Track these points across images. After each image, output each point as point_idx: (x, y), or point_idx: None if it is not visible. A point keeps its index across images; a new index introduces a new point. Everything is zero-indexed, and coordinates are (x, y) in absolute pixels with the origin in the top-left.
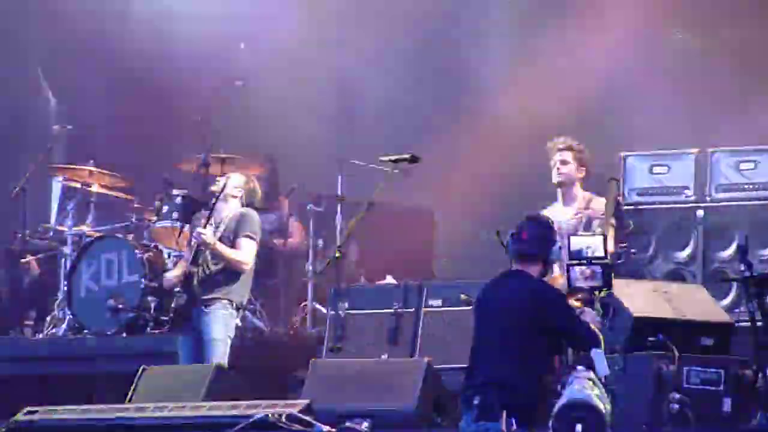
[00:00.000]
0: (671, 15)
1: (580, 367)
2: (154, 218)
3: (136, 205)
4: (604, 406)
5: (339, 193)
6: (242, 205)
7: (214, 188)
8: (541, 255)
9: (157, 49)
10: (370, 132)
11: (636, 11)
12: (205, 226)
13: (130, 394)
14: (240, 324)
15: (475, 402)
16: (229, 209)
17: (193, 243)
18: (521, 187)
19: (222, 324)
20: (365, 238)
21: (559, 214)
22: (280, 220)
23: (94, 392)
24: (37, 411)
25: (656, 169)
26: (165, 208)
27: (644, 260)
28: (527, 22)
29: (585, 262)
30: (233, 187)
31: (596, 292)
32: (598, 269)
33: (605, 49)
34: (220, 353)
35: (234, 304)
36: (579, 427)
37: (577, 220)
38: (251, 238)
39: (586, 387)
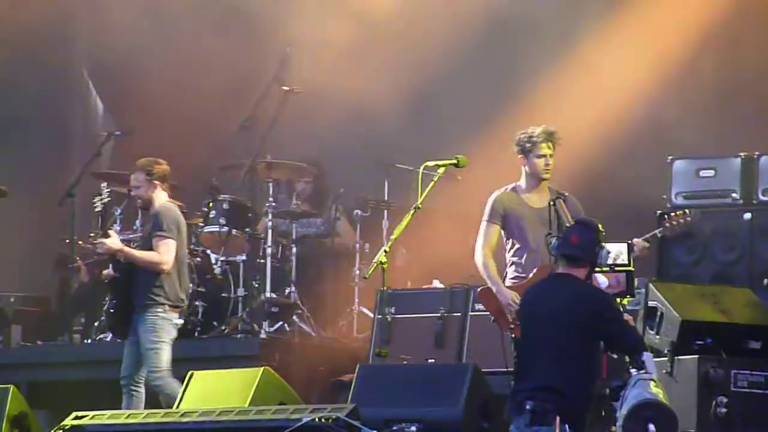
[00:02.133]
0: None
1: (633, 370)
2: (202, 223)
3: (183, 211)
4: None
5: (385, 198)
6: (169, 195)
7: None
8: (589, 259)
9: (204, 53)
10: (417, 136)
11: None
12: (105, 235)
13: (177, 398)
14: (179, 322)
15: (528, 407)
16: (156, 206)
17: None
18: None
19: (152, 332)
20: (412, 242)
21: (527, 200)
22: (327, 224)
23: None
24: (85, 416)
25: (703, 173)
26: (212, 214)
27: (691, 263)
28: (570, 30)
29: (608, 268)
30: (137, 185)
31: (618, 299)
32: (622, 276)
33: (648, 56)
34: (154, 360)
35: (166, 306)
36: (652, 426)
37: (554, 207)
38: (163, 236)
39: (652, 387)
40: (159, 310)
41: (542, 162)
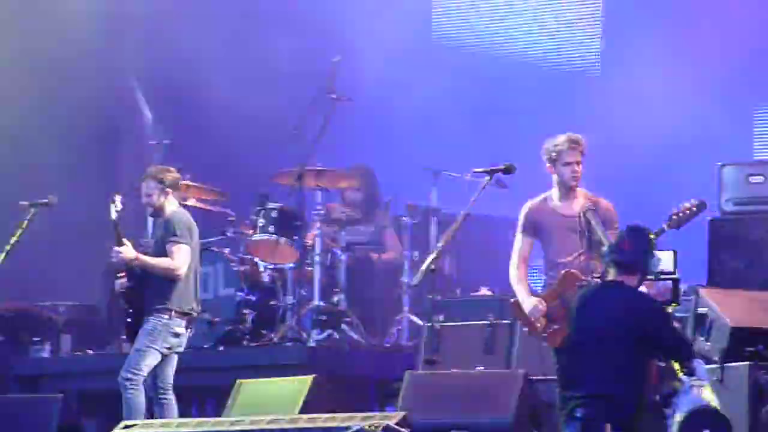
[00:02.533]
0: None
1: (684, 377)
2: (251, 231)
3: (232, 219)
4: None
5: (434, 204)
6: (180, 203)
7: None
8: (641, 266)
9: (253, 61)
10: (465, 143)
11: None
12: (120, 244)
13: (227, 407)
14: (181, 331)
15: (578, 414)
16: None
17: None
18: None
19: (147, 335)
20: (461, 249)
21: (559, 209)
22: (377, 233)
23: (191, 406)
24: (135, 425)
25: (752, 179)
26: (261, 222)
27: (741, 269)
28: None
29: (654, 276)
30: (149, 193)
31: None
32: (663, 285)
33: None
34: (135, 362)
35: (173, 314)
36: None
37: (584, 217)
38: (178, 242)
39: (706, 394)
40: (164, 316)
41: (569, 170)
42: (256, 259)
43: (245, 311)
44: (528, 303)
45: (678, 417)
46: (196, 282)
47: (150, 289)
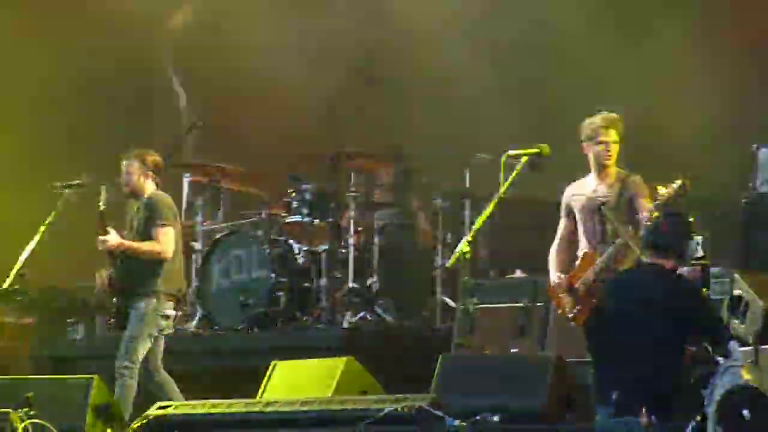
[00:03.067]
0: None
1: (719, 359)
2: (284, 214)
3: (265, 201)
4: None
5: (467, 187)
6: (156, 185)
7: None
8: (678, 249)
9: (287, 42)
10: (498, 125)
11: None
12: (104, 233)
13: (261, 388)
14: (170, 314)
15: (613, 397)
16: (145, 196)
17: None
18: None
19: (138, 321)
20: (494, 232)
21: (591, 189)
22: (410, 215)
23: (225, 387)
24: (168, 406)
25: None
26: (294, 204)
27: None
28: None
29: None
30: (130, 172)
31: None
32: (688, 270)
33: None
34: (129, 351)
35: (161, 297)
36: (746, 412)
37: (613, 196)
38: (163, 224)
39: (745, 374)
40: (152, 300)
41: (603, 148)
42: (290, 241)
43: (279, 293)
44: (551, 280)
45: (717, 396)
46: (181, 264)
47: (136, 274)
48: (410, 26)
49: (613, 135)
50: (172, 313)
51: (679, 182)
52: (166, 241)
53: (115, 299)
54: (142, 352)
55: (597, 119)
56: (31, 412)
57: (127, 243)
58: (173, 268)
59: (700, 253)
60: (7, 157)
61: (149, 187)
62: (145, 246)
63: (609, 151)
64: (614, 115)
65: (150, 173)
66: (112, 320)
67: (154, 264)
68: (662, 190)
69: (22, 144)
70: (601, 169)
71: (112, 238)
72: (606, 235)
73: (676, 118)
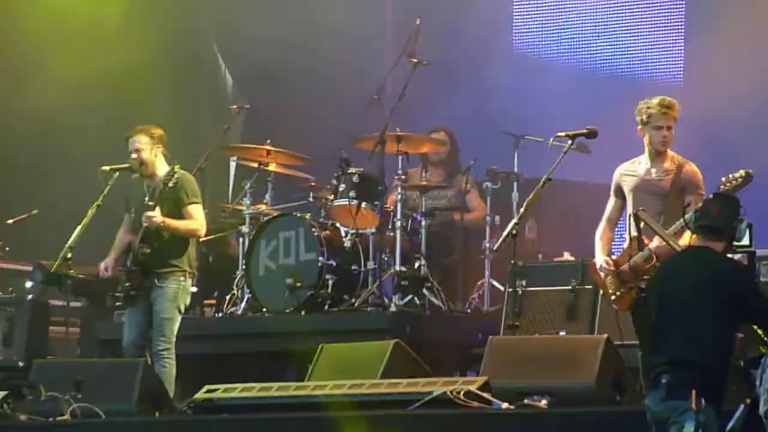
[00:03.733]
0: None
1: None
2: (332, 197)
3: (313, 184)
4: None
5: (515, 169)
6: (167, 161)
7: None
8: (728, 232)
9: (333, 25)
10: (548, 107)
11: None
12: (153, 208)
13: (309, 372)
14: (194, 290)
15: (664, 380)
16: (160, 172)
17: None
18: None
19: (172, 302)
20: (543, 214)
21: (644, 170)
22: (458, 197)
23: (273, 371)
24: (217, 389)
25: None
26: (342, 187)
27: None
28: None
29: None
30: (140, 149)
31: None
32: (743, 257)
33: None
34: (166, 330)
35: (187, 275)
36: None
37: (667, 181)
38: (195, 202)
39: None
40: (181, 278)
41: (659, 134)
42: (338, 225)
43: (327, 276)
44: (596, 262)
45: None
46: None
47: (165, 253)
48: (452, 10)
49: (669, 120)
50: (194, 289)
51: (743, 173)
52: (201, 218)
53: (130, 280)
54: (176, 330)
55: (655, 102)
56: (79, 396)
57: (169, 221)
58: (193, 247)
59: (746, 241)
60: (52, 137)
61: (160, 161)
62: (184, 224)
63: (666, 136)
64: (672, 99)
65: (160, 147)
66: (120, 301)
67: (184, 242)
68: (726, 180)
69: (67, 127)
70: (657, 153)
71: (158, 214)
72: (637, 246)
73: (730, 107)
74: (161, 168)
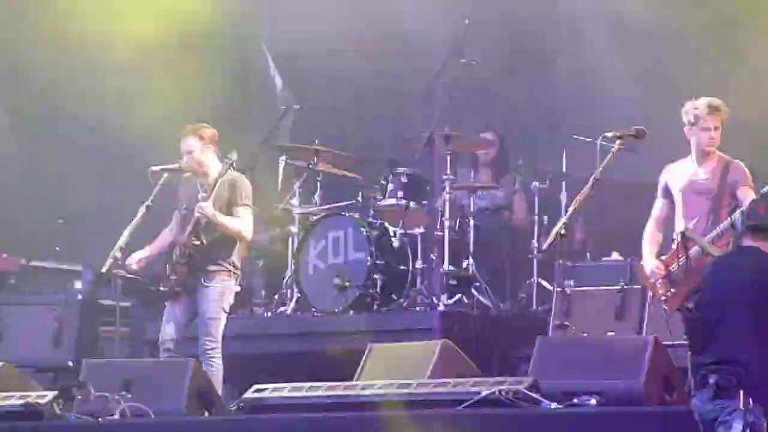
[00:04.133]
0: None
1: None
2: (380, 196)
3: (362, 184)
4: None
5: (563, 169)
6: (219, 159)
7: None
8: None
9: (381, 26)
10: (596, 107)
11: None
12: (206, 200)
13: (357, 371)
14: (238, 290)
15: (711, 381)
16: (213, 171)
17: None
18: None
19: (218, 301)
20: (591, 214)
21: (692, 171)
22: (507, 197)
23: (322, 370)
24: (266, 389)
25: None
26: (390, 187)
27: None
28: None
29: None
30: (191, 150)
31: None
32: None
33: None
34: (214, 331)
35: (231, 273)
36: None
37: (715, 181)
38: (246, 205)
39: None
40: (226, 278)
41: (706, 135)
42: (386, 224)
43: (375, 276)
44: (647, 265)
45: None
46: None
47: (214, 250)
48: (502, 10)
49: (717, 121)
50: (238, 289)
51: None
52: (250, 222)
53: (175, 274)
54: (222, 329)
55: (702, 103)
56: (129, 395)
57: (219, 215)
58: (240, 247)
59: None
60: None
61: (212, 160)
62: (232, 222)
63: (713, 138)
64: (719, 101)
65: (211, 146)
66: (165, 295)
67: (232, 242)
68: None
69: (113, 131)
70: (704, 153)
71: (210, 207)
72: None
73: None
74: (214, 167)
